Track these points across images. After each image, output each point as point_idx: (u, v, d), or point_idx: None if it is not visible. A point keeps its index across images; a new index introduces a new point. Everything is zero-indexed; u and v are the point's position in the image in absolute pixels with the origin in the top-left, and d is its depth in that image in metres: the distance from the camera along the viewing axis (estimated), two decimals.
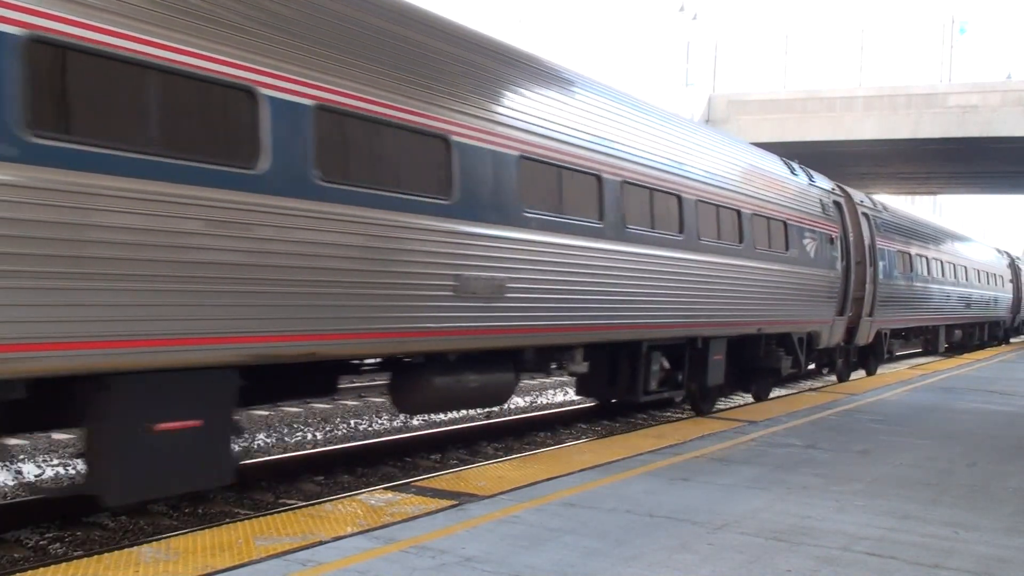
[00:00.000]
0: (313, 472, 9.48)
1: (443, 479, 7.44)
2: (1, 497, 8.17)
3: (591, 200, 9.38)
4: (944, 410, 13.22)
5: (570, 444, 10.58)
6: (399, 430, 12.57)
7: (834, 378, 19.44)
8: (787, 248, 13.93)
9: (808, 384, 19.85)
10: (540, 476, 7.41)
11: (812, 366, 17.14)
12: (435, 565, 4.97)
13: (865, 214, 18.46)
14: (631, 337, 10.54)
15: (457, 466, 10.14)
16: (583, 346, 9.81)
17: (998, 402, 14.74)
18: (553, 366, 10.11)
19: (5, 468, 9.19)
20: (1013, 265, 38.54)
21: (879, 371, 21.38)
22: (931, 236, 24.01)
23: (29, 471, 9.21)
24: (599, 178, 9.47)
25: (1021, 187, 43.95)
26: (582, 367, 9.96)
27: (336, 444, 11.14)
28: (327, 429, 12.31)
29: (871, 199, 20.03)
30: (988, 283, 31.02)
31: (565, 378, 17.41)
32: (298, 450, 10.74)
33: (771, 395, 15.76)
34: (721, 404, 16.59)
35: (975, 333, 31.15)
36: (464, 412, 14.57)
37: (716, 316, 12.11)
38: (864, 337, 18.23)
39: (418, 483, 7.34)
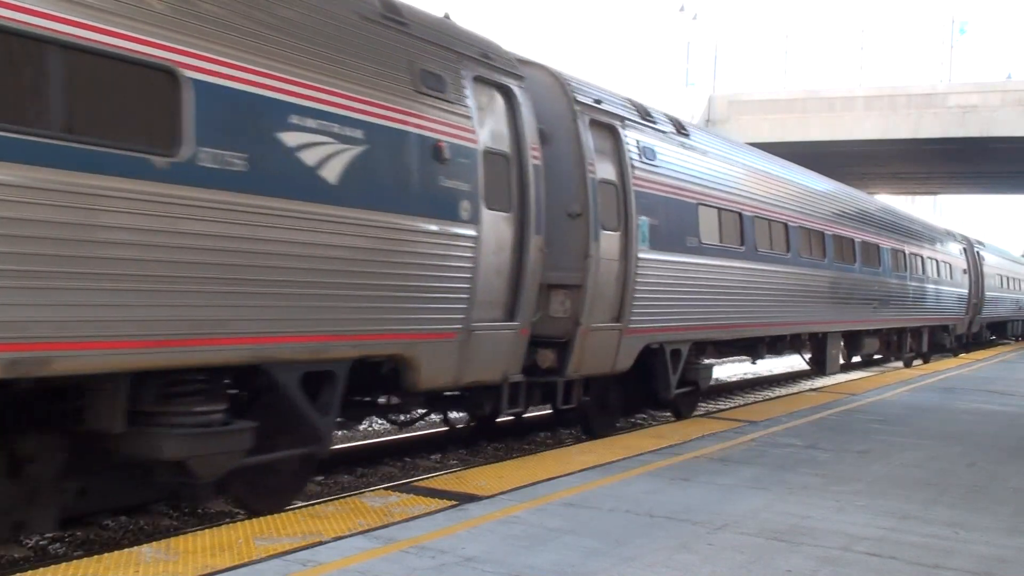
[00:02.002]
0: (313, 472, 9.46)
1: (443, 479, 7.44)
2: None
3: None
4: (944, 410, 13.22)
5: (570, 444, 10.58)
6: (399, 430, 12.56)
7: (831, 379, 19.71)
8: None
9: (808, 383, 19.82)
10: (540, 476, 7.40)
11: None
12: (435, 565, 4.97)
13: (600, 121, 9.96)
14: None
15: (457, 466, 10.13)
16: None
17: (998, 402, 14.73)
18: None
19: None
20: (971, 252, 29.08)
21: None
22: (767, 180, 14.48)
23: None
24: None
25: (1021, 187, 43.96)
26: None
27: (336, 444, 11.13)
28: None
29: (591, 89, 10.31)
30: (924, 272, 22.84)
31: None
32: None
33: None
34: (722, 404, 16.62)
35: (901, 342, 22.45)
36: (463, 412, 14.54)
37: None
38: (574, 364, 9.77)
39: (418, 483, 7.34)
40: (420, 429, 12.63)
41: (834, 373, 18.46)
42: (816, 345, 17.04)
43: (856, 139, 30.25)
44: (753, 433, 10.24)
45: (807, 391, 17.03)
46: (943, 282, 24.95)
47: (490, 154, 8.08)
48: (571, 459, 8.25)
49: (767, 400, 15.33)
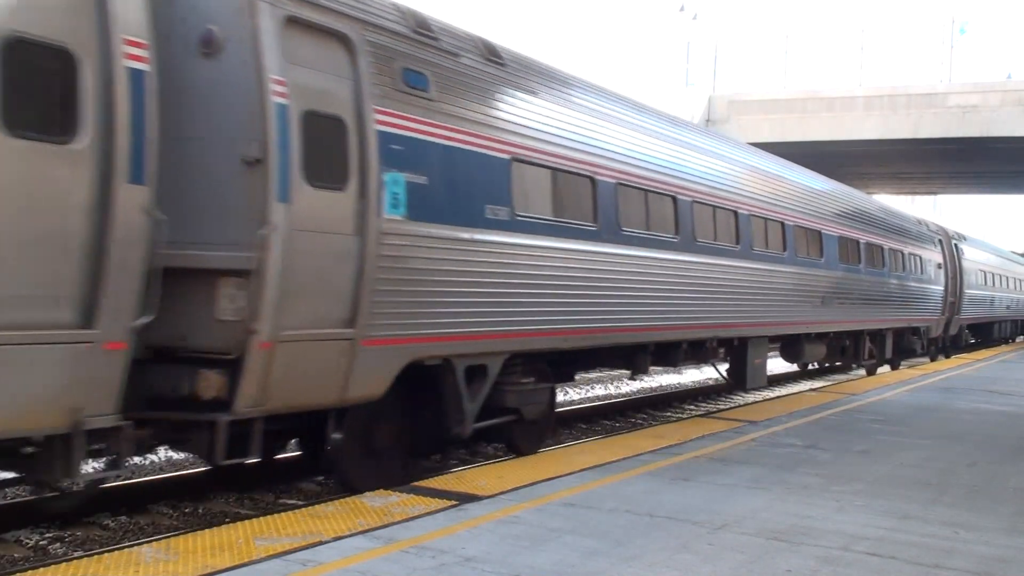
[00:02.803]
0: (313, 472, 9.47)
1: (443, 479, 7.44)
2: (1, 497, 8.16)
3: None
4: (944, 410, 13.22)
5: (570, 444, 10.58)
6: None
7: (831, 379, 19.70)
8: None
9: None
10: (540, 476, 7.40)
11: None
12: (435, 565, 4.97)
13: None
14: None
15: (457, 466, 10.13)
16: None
17: (998, 402, 14.73)
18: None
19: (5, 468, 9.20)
20: (947, 245, 26.09)
21: None
22: (645, 137, 11.10)
23: None
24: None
25: (1021, 187, 43.98)
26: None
27: None
28: None
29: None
30: (885, 266, 19.57)
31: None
32: (298, 450, 10.72)
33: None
34: (724, 404, 16.62)
35: (857, 348, 19.13)
36: None
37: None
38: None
39: (418, 483, 7.34)
40: None
41: (759, 388, 15.28)
42: (735, 353, 13.84)
43: (856, 139, 30.26)
44: (753, 433, 10.24)
45: (807, 391, 17.03)
46: (911, 278, 21.63)
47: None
48: (571, 459, 8.25)
49: (767, 400, 15.33)
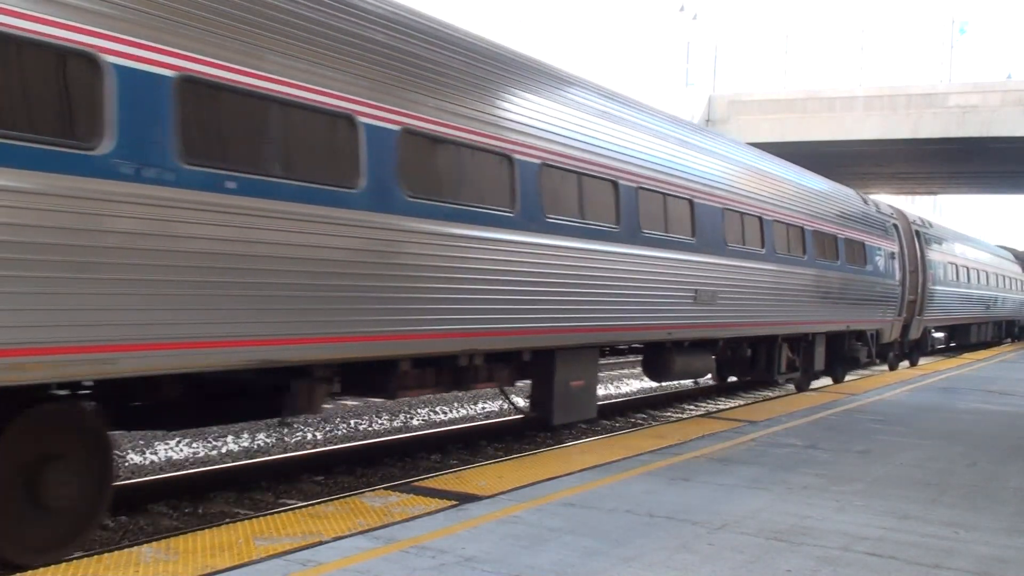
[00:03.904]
0: (313, 472, 9.48)
1: (443, 479, 7.44)
2: None
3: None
4: (944, 410, 13.22)
5: (570, 444, 10.58)
6: (399, 430, 12.57)
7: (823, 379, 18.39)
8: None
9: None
10: (540, 476, 7.40)
11: None
12: (435, 565, 4.97)
13: None
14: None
15: (457, 466, 10.13)
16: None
17: (998, 402, 14.73)
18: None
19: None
20: (906, 232, 21.87)
21: None
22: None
23: None
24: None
25: (1021, 187, 43.99)
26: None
27: (336, 444, 11.14)
28: (327, 429, 12.30)
29: None
30: (818, 254, 15.79)
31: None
32: (298, 450, 10.74)
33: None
34: (725, 404, 16.61)
35: (769, 357, 15.10)
36: (463, 412, 14.58)
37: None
38: None
39: (418, 483, 7.34)
40: (420, 429, 12.64)
41: (571, 422, 10.90)
42: (538, 373, 9.61)
43: (856, 139, 30.25)
44: (753, 433, 10.24)
45: (807, 391, 17.03)
46: (852, 270, 17.38)
47: None
48: (571, 459, 8.25)
49: (767, 400, 15.33)
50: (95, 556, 5.14)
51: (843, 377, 19.05)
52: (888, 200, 23.66)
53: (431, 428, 12.78)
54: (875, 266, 18.81)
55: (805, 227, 15.30)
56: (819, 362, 16.86)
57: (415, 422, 13.39)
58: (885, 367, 22.72)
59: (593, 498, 6.70)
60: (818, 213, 16.07)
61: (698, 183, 11.90)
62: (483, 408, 15.00)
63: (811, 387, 17.02)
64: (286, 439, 11.50)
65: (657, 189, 10.91)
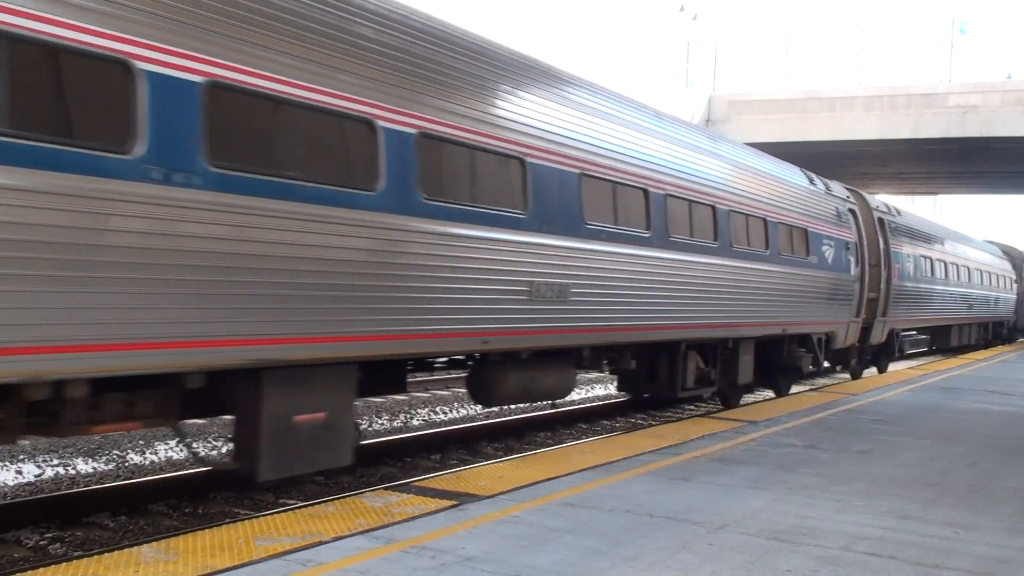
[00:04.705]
0: (313, 472, 9.47)
1: (443, 479, 7.44)
2: (1, 497, 8.17)
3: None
4: (944, 410, 13.22)
5: (570, 444, 10.58)
6: (399, 430, 12.57)
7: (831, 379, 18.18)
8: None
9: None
10: (540, 476, 7.41)
11: None
12: (435, 565, 4.97)
13: None
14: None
15: (457, 466, 10.13)
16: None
17: (998, 402, 14.73)
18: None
19: (5, 468, 9.19)
20: (869, 219, 19.13)
21: None
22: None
23: (29, 471, 9.21)
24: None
25: (1021, 187, 43.97)
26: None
27: None
28: None
29: None
30: (736, 238, 12.63)
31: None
32: None
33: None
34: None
35: (673, 368, 12.06)
36: (464, 412, 14.58)
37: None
38: None
39: (418, 483, 7.34)
40: (420, 429, 12.63)
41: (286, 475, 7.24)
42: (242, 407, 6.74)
43: (856, 139, 30.25)
44: (753, 433, 10.24)
45: (807, 391, 17.02)
46: (788, 260, 14.16)
47: None
48: (571, 459, 8.25)
49: (767, 400, 15.33)
50: (95, 556, 5.14)
51: (787, 390, 16.15)
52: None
53: (431, 428, 12.78)
54: (822, 257, 15.60)
55: (717, 206, 12.08)
56: (745, 373, 13.73)
57: (415, 422, 13.39)
58: (847, 375, 20.24)
59: (593, 498, 6.70)
60: (739, 190, 12.81)
61: (532, 134, 8.73)
62: (483, 408, 15.00)
63: (740, 403, 14.75)
64: None
65: (462, 141, 7.99)
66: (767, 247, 13.57)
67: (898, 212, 21.75)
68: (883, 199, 22.64)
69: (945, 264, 25.07)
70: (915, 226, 22.88)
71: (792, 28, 34.33)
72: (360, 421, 9.84)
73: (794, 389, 16.97)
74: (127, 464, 9.70)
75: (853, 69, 32.83)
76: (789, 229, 14.42)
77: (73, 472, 9.30)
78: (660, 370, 12.06)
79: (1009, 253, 39.84)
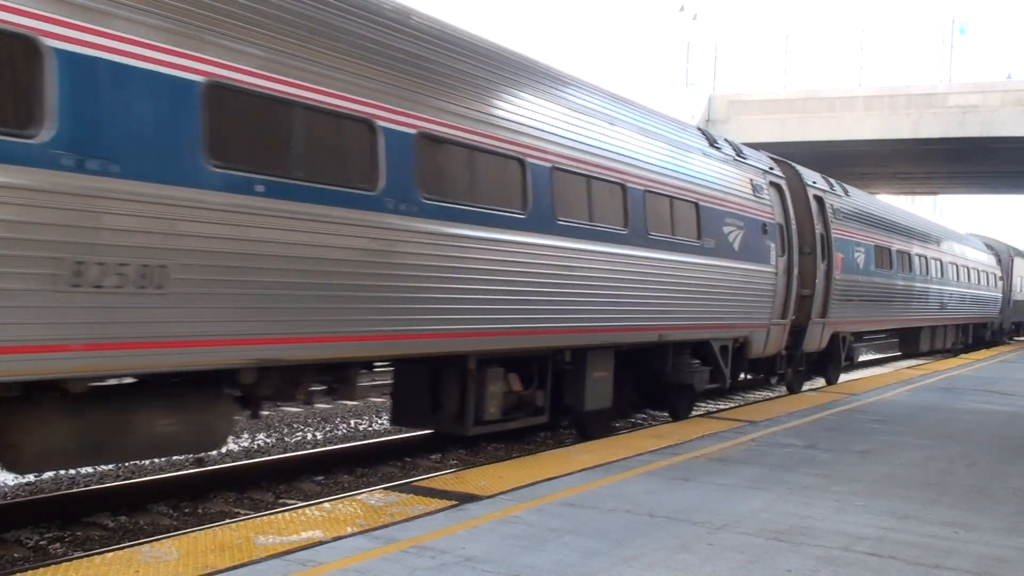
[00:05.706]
0: (313, 472, 9.48)
1: (443, 479, 7.44)
2: (1, 497, 8.16)
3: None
4: (944, 410, 13.22)
5: (570, 444, 10.58)
6: (399, 430, 12.57)
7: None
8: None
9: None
10: (540, 476, 7.40)
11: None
12: (435, 565, 4.97)
13: None
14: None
15: (457, 466, 10.13)
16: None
17: (998, 402, 14.73)
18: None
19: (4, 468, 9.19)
20: (800, 194, 15.36)
21: None
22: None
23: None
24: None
25: (1021, 187, 43.98)
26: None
27: (336, 444, 11.13)
28: (327, 429, 12.31)
29: None
30: (620, 222, 9.96)
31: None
32: (298, 450, 10.73)
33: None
34: (724, 404, 16.52)
35: (463, 396, 8.65)
36: None
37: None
38: None
39: (418, 483, 7.34)
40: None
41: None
42: None
43: (856, 139, 30.23)
44: (753, 433, 10.24)
45: (807, 391, 17.01)
46: (665, 243, 10.77)
47: None
48: (571, 459, 8.25)
49: (767, 400, 15.32)
50: (95, 556, 5.14)
51: (686, 413, 12.73)
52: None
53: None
54: (723, 242, 12.13)
55: (528, 160, 8.52)
56: (595, 397, 10.29)
57: None
58: (784, 389, 16.85)
59: (593, 498, 6.70)
60: (582, 142, 9.43)
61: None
62: None
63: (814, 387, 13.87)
64: (286, 439, 11.50)
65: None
66: (626, 224, 10.02)
67: (845, 191, 17.83)
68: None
69: (910, 256, 21.18)
70: (868, 209, 18.86)
71: (792, 28, 34.38)
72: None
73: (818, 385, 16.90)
74: (127, 464, 9.70)
75: (853, 69, 32.83)
76: (668, 201, 10.89)
77: (73, 472, 9.30)
78: (445, 398, 8.71)
79: (993, 247, 35.20)
